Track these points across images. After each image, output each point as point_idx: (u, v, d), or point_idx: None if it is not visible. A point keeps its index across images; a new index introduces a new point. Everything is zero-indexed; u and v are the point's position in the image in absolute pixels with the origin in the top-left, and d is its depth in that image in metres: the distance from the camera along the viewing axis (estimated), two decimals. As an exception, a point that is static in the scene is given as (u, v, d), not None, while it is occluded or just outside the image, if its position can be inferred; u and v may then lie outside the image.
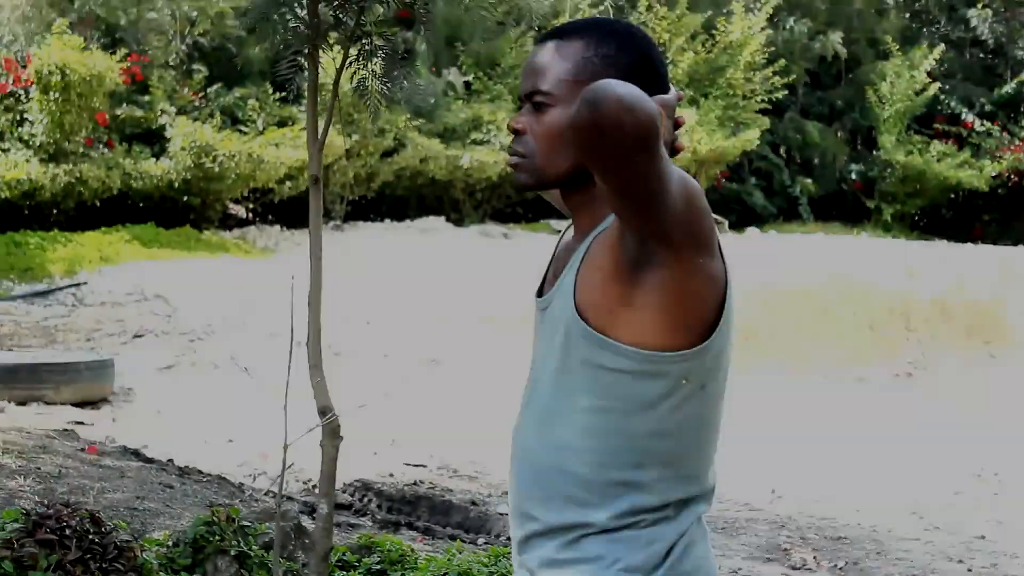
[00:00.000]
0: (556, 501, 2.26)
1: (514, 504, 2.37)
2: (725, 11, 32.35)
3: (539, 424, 2.31)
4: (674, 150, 2.28)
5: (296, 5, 3.91)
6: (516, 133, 2.33)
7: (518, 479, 2.36)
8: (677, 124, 2.30)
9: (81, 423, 9.92)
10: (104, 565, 4.65)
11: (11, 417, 9.82)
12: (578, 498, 2.24)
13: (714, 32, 31.72)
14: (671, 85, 2.35)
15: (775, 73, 30.78)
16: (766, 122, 30.54)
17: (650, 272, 2.13)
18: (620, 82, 1.97)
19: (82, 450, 8.01)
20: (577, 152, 2.10)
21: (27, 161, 22.48)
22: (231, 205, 26.64)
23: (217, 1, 26.30)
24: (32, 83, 23.17)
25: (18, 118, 23.61)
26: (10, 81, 23.94)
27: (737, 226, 30.98)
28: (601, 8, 32.13)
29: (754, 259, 17.69)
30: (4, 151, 22.77)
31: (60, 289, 18.78)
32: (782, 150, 33.43)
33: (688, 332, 2.18)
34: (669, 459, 2.24)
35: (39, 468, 7.15)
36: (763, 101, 30.76)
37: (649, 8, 31.64)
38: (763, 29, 31.10)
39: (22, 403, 10.68)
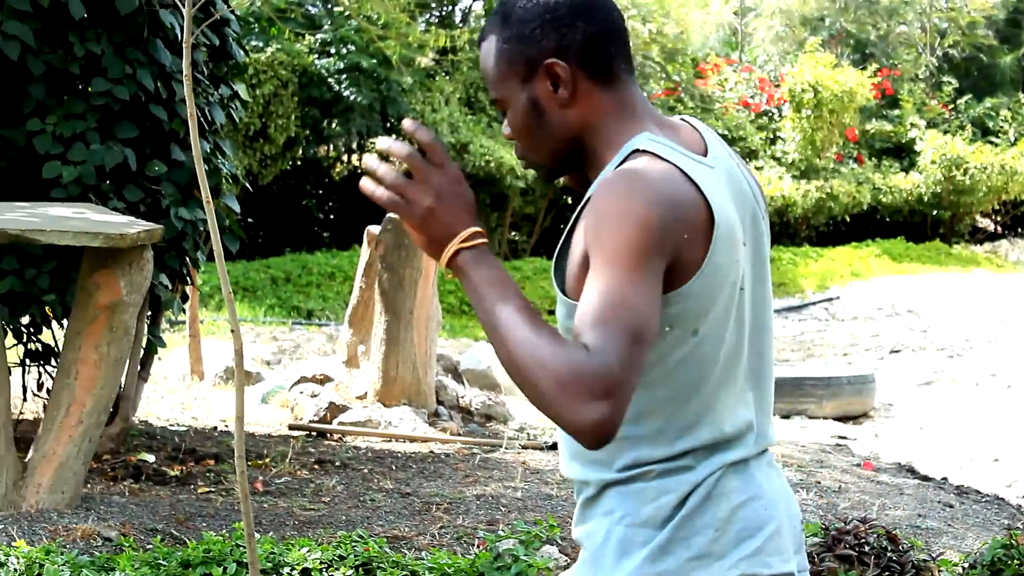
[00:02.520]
0: (577, 460, 2.23)
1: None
2: None
3: None
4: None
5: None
6: (511, 139, 2.33)
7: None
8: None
9: (844, 438, 9.99)
10: (902, 584, 4.62)
11: (776, 430, 10.06)
12: (591, 457, 2.18)
13: None
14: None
15: None
16: None
17: None
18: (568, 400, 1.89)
19: (857, 465, 8.06)
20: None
21: (780, 178, 23.09)
22: (979, 218, 25.99)
23: (968, 11, 25.73)
24: (785, 102, 23.81)
25: (771, 136, 24.33)
26: (764, 101, 24.72)
27: None
28: None
29: None
30: (759, 169, 23.51)
31: (813, 304, 19.10)
32: None
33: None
34: (667, 410, 2.14)
35: (819, 482, 7.26)
36: None
37: None
38: None
39: (785, 416, 10.92)
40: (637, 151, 2.15)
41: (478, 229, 2.06)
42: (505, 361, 1.97)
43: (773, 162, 23.72)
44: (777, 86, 24.60)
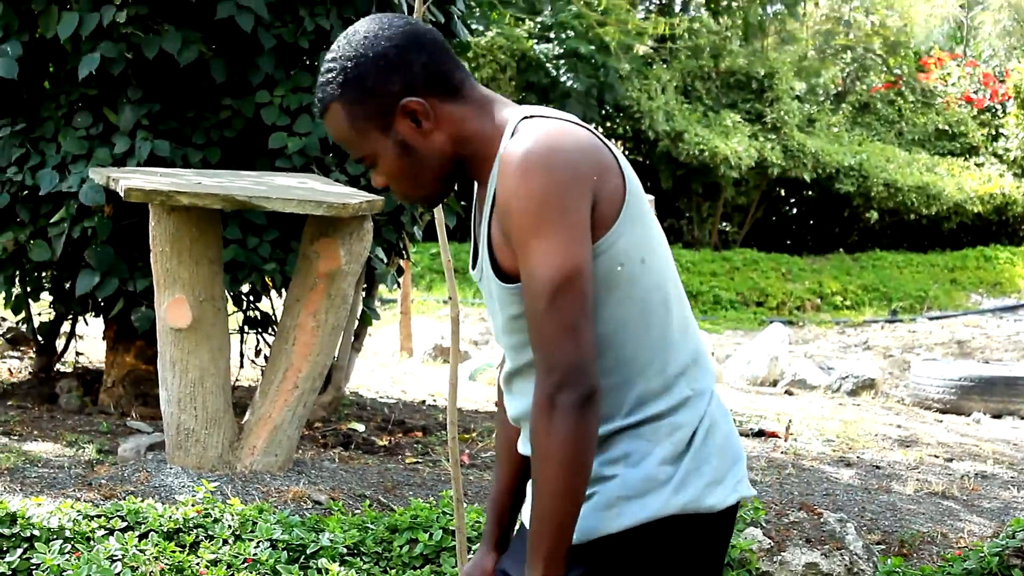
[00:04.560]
0: None
1: None
2: None
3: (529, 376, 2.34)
4: None
5: None
6: (386, 186, 2.44)
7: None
8: None
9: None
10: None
11: (987, 428, 9.81)
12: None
13: None
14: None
15: None
16: None
17: None
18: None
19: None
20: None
21: (1000, 176, 22.47)
22: None
23: None
24: (1009, 98, 23.14)
25: (993, 133, 23.67)
26: (987, 96, 24.06)
27: None
28: None
29: None
30: (979, 165, 22.91)
31: (1031, 305, 18.58)
32: None
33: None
34: (648, 341, 2.28)
35: (1027, 481, 7.08)
36: None
37: None
38: None
39: (997, 416, 10.63)
40: (524, 119, 2.27)
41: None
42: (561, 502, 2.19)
43: (994, 159, 23.07)
44: (1002, 82, 23.90)
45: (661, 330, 2.30)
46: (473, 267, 2.47)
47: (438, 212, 4.37)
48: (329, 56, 2.36)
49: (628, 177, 2.28)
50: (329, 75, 2.35)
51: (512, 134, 2.26)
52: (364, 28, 2.35)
